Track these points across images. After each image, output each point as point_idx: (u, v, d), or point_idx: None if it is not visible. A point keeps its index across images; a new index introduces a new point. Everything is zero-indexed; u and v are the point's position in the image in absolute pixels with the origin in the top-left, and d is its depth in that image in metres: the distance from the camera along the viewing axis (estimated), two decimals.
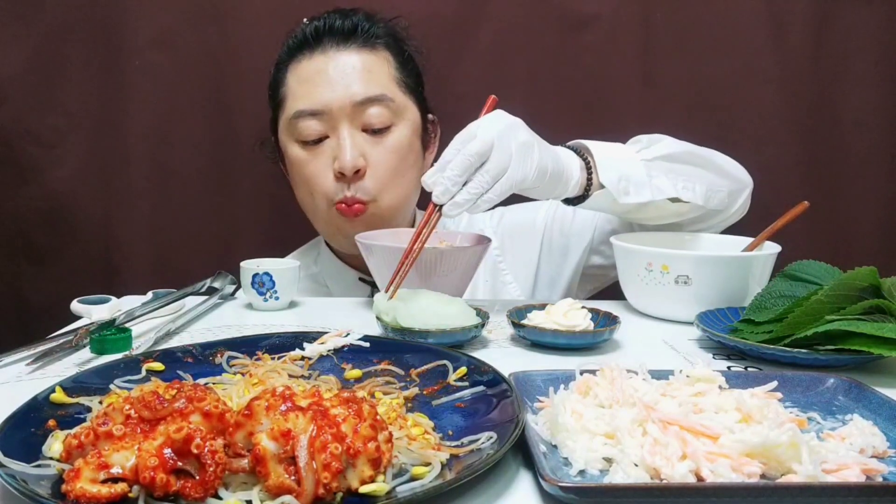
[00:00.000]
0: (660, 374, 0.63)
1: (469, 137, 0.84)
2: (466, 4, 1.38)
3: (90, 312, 0.92)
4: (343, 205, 1.10)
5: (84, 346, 0.81)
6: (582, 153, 0.98)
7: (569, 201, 0.99)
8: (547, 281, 1.23)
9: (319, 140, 1.11)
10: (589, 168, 0.96)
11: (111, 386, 0.63)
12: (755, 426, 0.51)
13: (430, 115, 1.22)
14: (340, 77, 1.09)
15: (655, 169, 0.99)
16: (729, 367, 0.76)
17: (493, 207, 0.86)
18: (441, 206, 0.84)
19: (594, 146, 0.97)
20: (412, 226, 1.23)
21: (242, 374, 0.67)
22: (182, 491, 0.44)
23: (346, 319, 0.93)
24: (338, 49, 1.11)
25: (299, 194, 1.18)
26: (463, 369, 0.66)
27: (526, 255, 1.24)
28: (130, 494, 0.44)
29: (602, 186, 0.95)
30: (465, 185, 0.83)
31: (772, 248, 0.95)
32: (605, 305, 0.96)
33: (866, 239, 1.44)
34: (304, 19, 1.16)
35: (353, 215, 1.10)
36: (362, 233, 1.03)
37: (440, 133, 1.25)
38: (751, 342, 0.77)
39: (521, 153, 0.84)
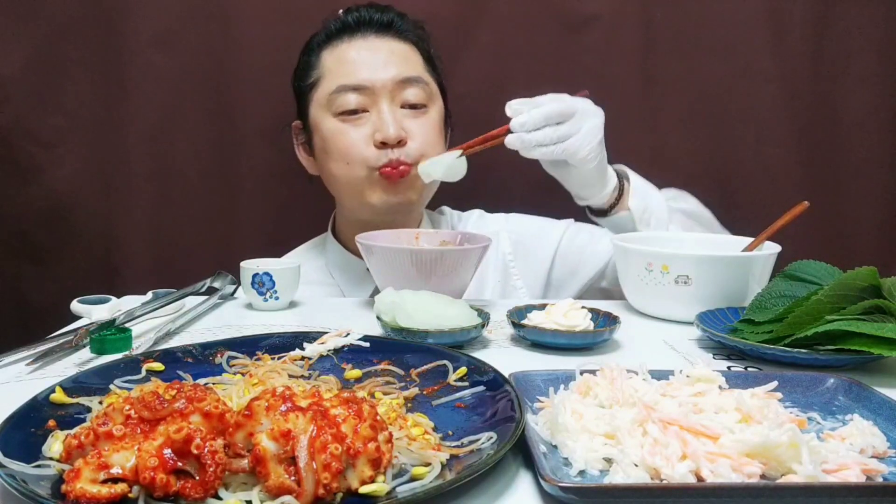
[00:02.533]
0: (660, 374, 0.63)
1: (561, 98, 0.97)
2: (466, 4, 1.38)
3: (90, 312, 0.92)
4: (388, 168, 1.11)
5: (84, 346, 0.81)
6: (620, 175, 1.09)
7: (592, 212, 1.09)
8: (555, 291, 1.25)
9: (358, 113, 1.13)
10: (621, 190, 1.09)
11: (111, 386, 0.63)
12: (755, 426, 0.51)
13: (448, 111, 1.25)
14: (383, 59, 1.14)
15: (676, 216, 1.10)
16: (729, 367, 0.76)
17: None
18: (509, 132, 0.96)
19: (632, 174, 1.11)
20: (419, 225, 1.24)
21: (242, 375, 0.67)
22: (182, 491, 0.44)
23: (346, 319, 0.93)
24: (378, 36, 1.16)
25: (331, 166, 1.17)
26: (463, 369, 0.66)
27: (538, 262, 1.25)
28: (130, 495, 0.44)
29: (628, 209, 1.06)
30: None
31: (772, 248, 0.95)
32: (605, 305, 0.96)
33: (866, 239, 1.44)
34: (340, 10, 1.19)
35: (399, 177, 1.11)
36: (362, 233, 1.03)
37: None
38: (751, 342, 0.77)
39: (589, 133, 0.97)
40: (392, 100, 1.13)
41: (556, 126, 0.96)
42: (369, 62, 1.13)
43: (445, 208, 1.35)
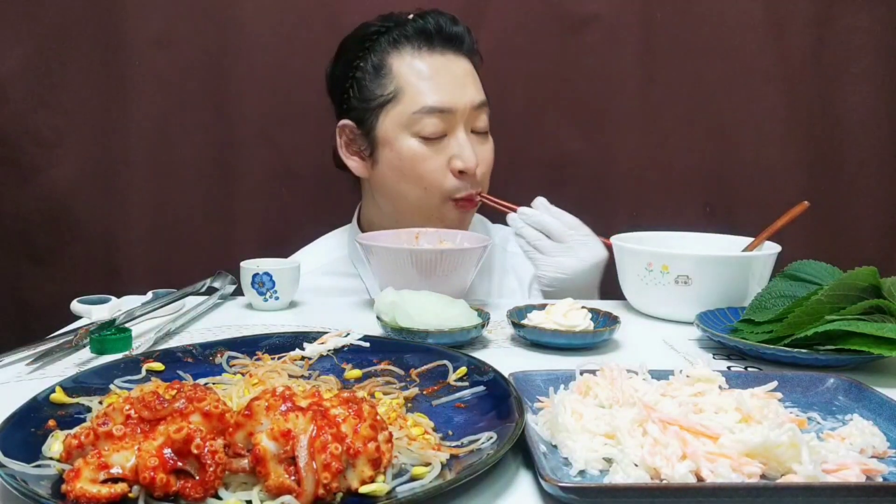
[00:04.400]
0: (660, 374, 0.63)
1: (573, 227, 1.07)
2: (466, 5, 1.38)
3: (90, 312, 0.92)
4: (464, 200, 1.14)
5: (84, 346, 0.81)
6: None
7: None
8: None
9: (438, 138, 1.13)
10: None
11: (111, 386, 0.63)
12: (755, 426, 0.51)
13: None
14: (463, 80, 1.14)
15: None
16: (729, 367, 0.76)
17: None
18: (514, 212, 1.09)
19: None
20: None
21: (242, 374, 0.67)
22: (182, 491, 0.44)
23: (346, 319, 0.93)
24: (454, 53, 1.15)
25: (404, 187, 1.15)
26: (463, 369, 0.66)
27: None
28: (130, 494, 0.44)
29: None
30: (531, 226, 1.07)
31: (772, 248, 0.95)
32: (605, 305, 0.96)
33: (866, 239, 1.44)
34: (411, 14, 1.16)
35: (472, 206, 1.17)
36: (363, 234, 1.04)
37: None
38: (751, 342, 0.77)
39: (556, 265, 1.06)
40: (466, 124, 1.13)
41: (542, 236, 1.06)
42: (454, 82, 1.13)
43: (476, 214, 1.35)
